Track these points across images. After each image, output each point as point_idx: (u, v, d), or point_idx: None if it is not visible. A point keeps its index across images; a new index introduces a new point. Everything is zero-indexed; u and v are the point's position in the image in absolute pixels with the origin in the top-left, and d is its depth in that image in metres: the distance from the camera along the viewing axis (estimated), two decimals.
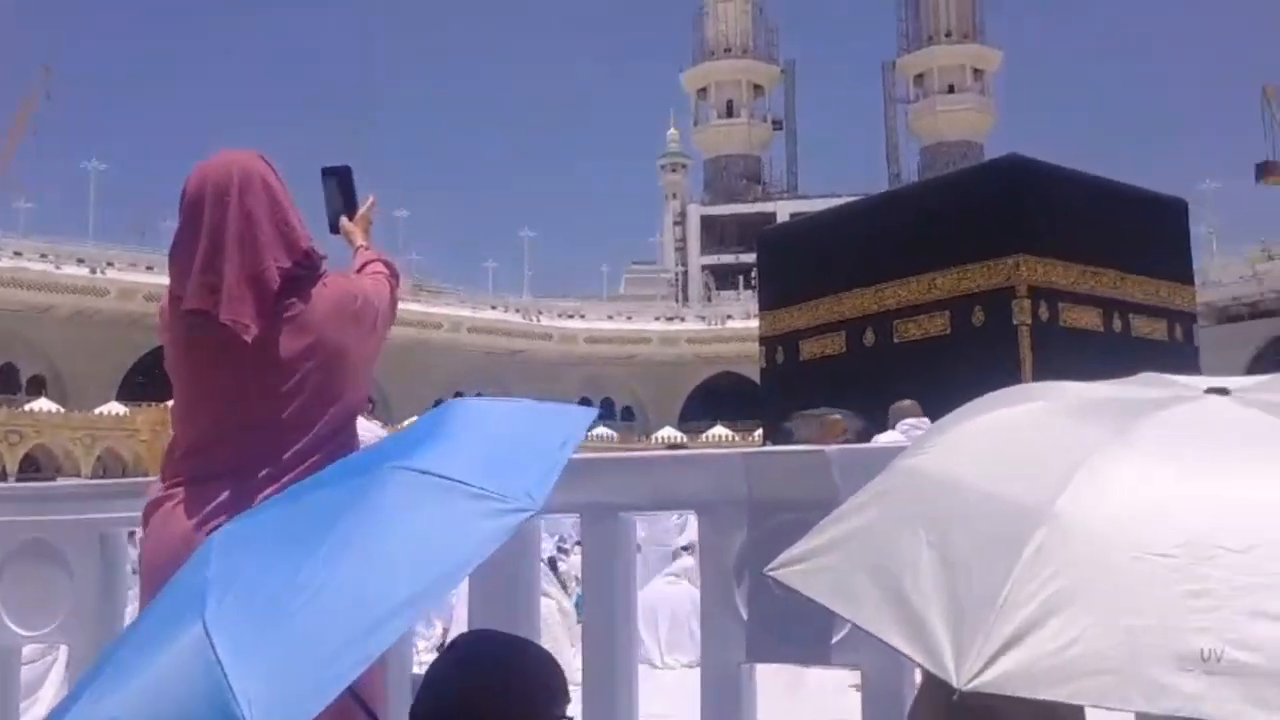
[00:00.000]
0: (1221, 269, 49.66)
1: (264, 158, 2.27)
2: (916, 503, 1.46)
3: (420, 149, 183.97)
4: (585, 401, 61.25)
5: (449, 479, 1.50)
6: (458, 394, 58.70)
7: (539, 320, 58.66)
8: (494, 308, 58.06)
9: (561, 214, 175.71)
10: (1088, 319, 7.92)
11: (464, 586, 3.57)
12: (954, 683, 1.20)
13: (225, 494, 2.11)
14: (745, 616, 2.57)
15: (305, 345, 2.17)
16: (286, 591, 1.35)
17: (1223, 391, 1.47)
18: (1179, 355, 8.75)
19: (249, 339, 2.11)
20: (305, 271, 2.22)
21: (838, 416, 7.01)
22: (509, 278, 69.87)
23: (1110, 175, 9.01)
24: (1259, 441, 1.31)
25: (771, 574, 1.55)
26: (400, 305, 2.55)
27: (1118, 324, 8.04)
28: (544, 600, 5.13)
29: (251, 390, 2.16)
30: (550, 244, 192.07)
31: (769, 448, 5.59)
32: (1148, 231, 8.77)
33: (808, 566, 1.53)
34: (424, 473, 1.52)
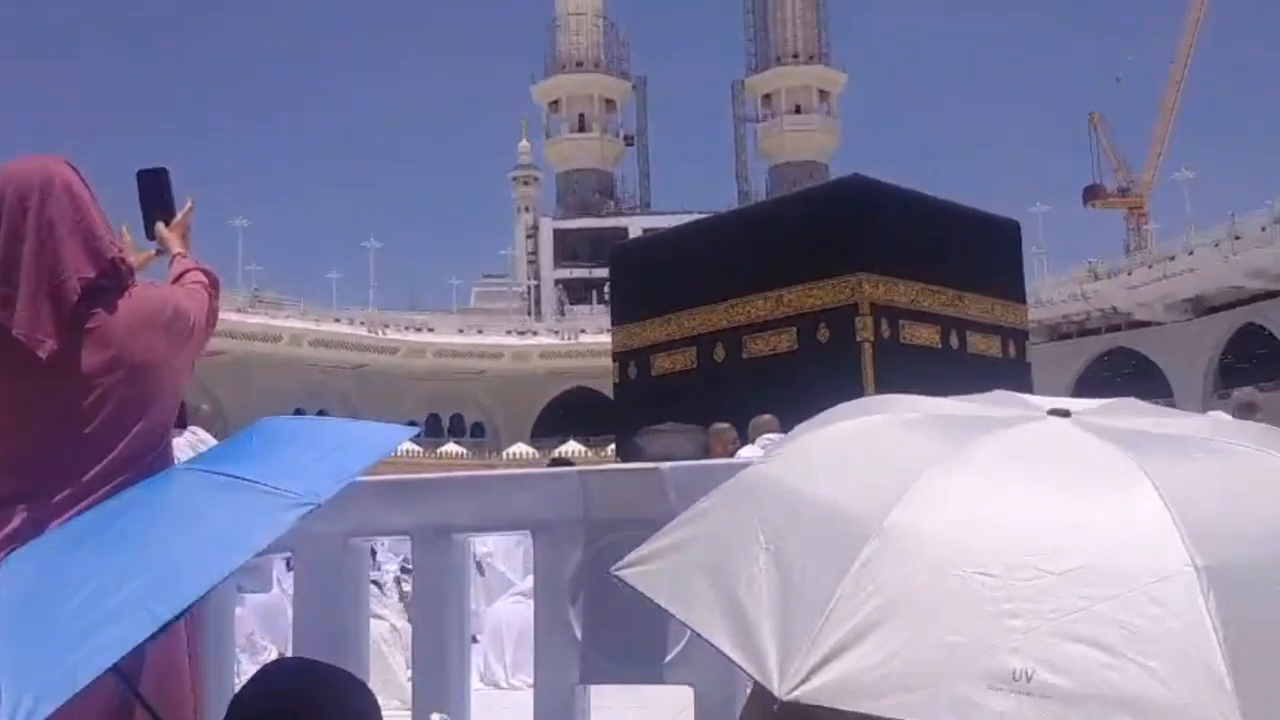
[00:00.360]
0: (1052, 288, 52.08)
1: (70, 163, 2.15)
2: (759, 509, 1.46)
3: (261, 155, 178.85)
4: (433, 418, 60.45)
5: (236, 477, 1.51)
6: (298, 410, 57.21)
7: (385, 333, 57.45)
8: (338, 320, 56.50)
9: (409, 225, 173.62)
10: (927, 335, 8.14)
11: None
12: (775, 691, 1.20)
13: (20, 519, 1.97)
14: (579, 637, 2.52)
15: (107, 359, 2.05)
16: (56, 588, 1.38)
17: (1064, 413, 1.48)
18: (1012, 371, 9.09)
19: (43, 354, 1.99)
20: (111, 282, 2.10)
21: (725, 425, 7.03)
22: (354, 290, 68.54)
23: (948, 196, 9.31)
24: (1089, 466, 1.33)
25: (616, 573, 1.55)
26: (238, 317, 2.43)
27: (955, 341, 8.28)
28: (376, 622, 4.97)
29: (49, 407, 2.03)
30: (397, 255, 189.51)
31: (604, 465, 5.58)
32: (983, 251, 9.08)
33: (649, 567, 1.53)
34: (212, 472, 1.54)
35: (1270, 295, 46.26)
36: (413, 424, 59.72)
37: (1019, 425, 1.44)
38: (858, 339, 7.51)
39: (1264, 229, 44.65)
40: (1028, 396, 1.64)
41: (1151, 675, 1.10)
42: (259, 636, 6.54)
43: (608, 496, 2.57)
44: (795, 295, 8.30)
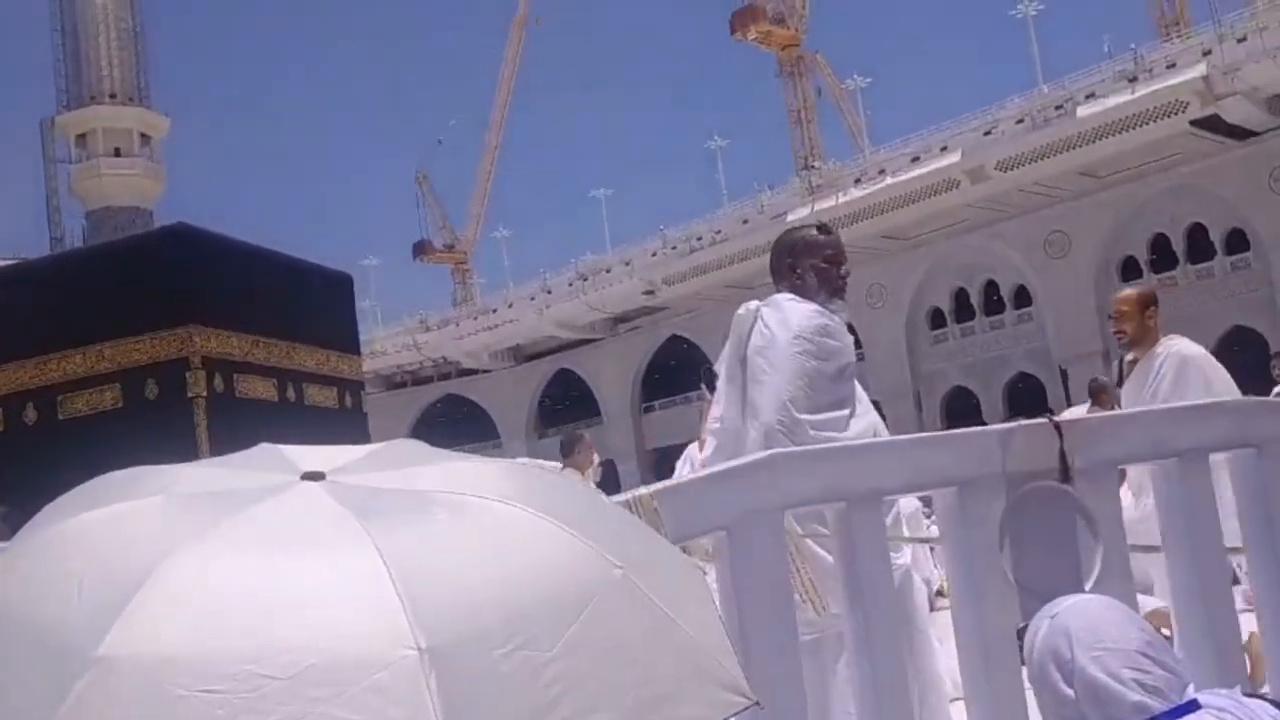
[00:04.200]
0: (386, 339, 53.96)
1: None
2: None
3: None
4: None
5: None
6: None
7: None
8: None
9: None
10: (263, 388, 8.06)
11: None
12: None
13: None
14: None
15: None
16: None
17: (319, 476, 1.40)
18: (350, 421, 9.29)
19: None
20: None
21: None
22: None
23: (283, 249, 9.33)
24: (324, 544, 1.25)
25: None
26: None
27: (292, 393, 8.30)
28: None
29: None
30: None
31: None
32: (317, 304, 9.19)
33: None
34: None
35: (579, 344, 52.20)
36: None
37: (269, 498, 1.32)
38: (189, 394, 7.23)
39: (570, 284, 50.28)
40: (290, 452, 1.51)
41: None
42: None
43: None
44: (119, 349, 7.80)
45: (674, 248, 46.95)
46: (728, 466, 2.95)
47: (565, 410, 53.40)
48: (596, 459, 9.81)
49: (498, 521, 1.34)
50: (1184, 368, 5.06)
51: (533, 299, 51.66)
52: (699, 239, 46.32)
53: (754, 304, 3.62)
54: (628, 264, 48.66)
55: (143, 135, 70.63)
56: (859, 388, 3.63)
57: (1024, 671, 2.09)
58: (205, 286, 7.67)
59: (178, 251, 7.94)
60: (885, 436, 3.59)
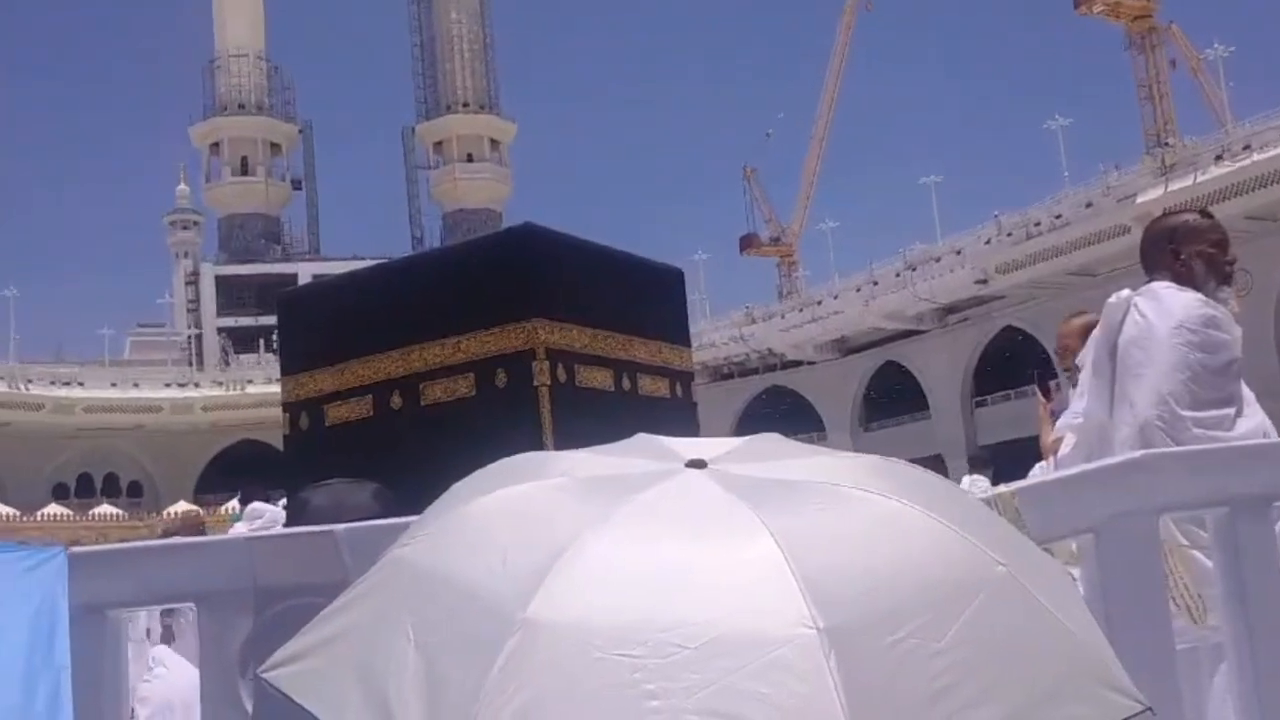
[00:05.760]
0: (713, 331, 54.89)
1: None
2: (406, 598, 1.38)
3: None
4: (85, 477, 55.63)
5: None
6: None
7: (28, 388, 52.47)
8: None
9: (52, 273, 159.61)
10: (601, 378, 8.36)
11: None
12: None
13: None
14: (250, 711, 2.39)
15: None
16: None
17: (701, 464, 1.47)
18: (680, 411, 9.48)
19: None
20: None
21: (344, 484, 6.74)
22: None
23: (616, 244, 9.66)
24: (719, 527, 1.32)
25: (263, 675, 1.44)
26: None
27: (627, 383, 8.56)
28: None
29: None
30: (38, 305, 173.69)
31: (275, 519, 5.33)
32: (651, 297, 9.44)
33: (297, 668, 1.42)
34: None
35: (905, 335, 50.98)
36: (86, 477, 54.87)
37: (659, 483, 1.41)
38: (535, 383, 7.61)
39: (898, 275, 49.19)
40: (669, 442, 1.60)
41: None
42: None
43: (277, 562, 2.46)
44: (472, 341, 8.32)
45: (1009, 234, 44.87)
46: (1099, 466, 2.81)
47: (891, 404, 52.35)
48: None
49: (880, 513, 1.37)
50: None
51: (858, 290, 50.94)
52: (1036, 224, 44.01)
53: (1125, 293, 3.41)
54: (959, 252, 47.01)
55: (492, 141, 75.50)
56: (1244, 386, 3.32)
57: None
58: (549, 282, 8.06)
59: (524, 250, 8.39)
60: (1276, 438, 3.26)
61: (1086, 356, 3.48)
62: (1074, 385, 4.78)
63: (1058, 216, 43.29)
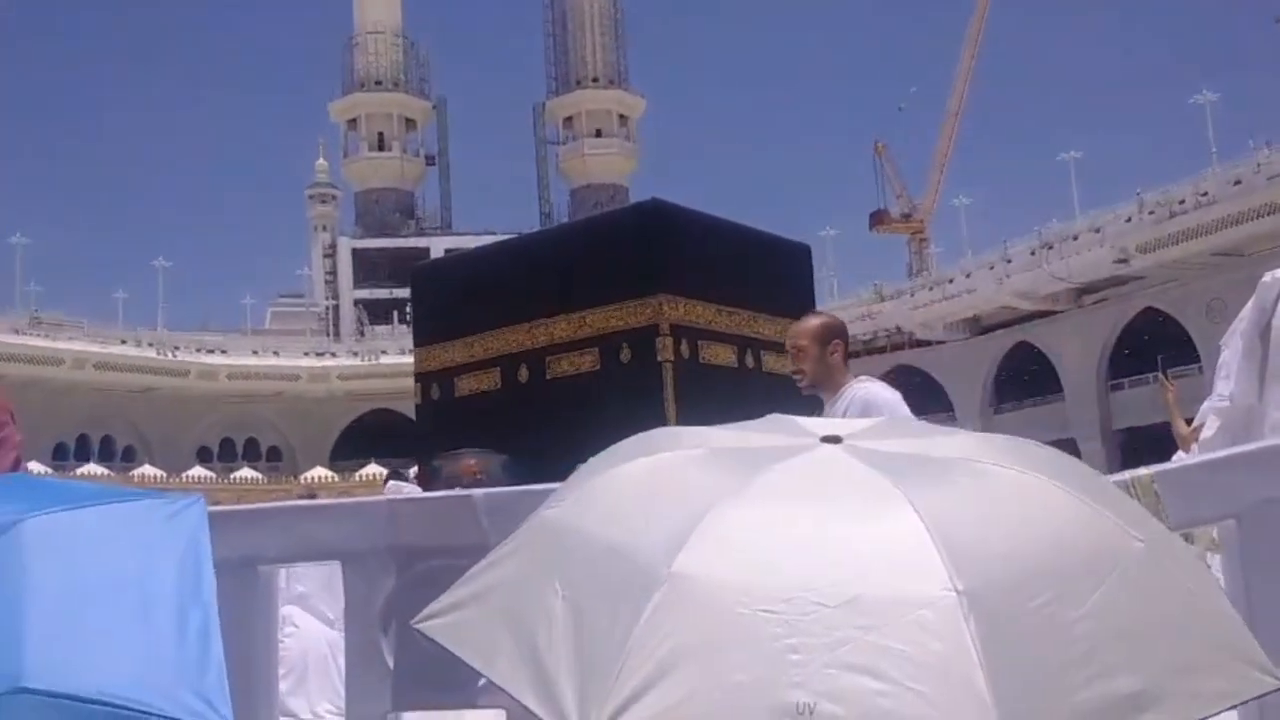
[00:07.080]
0: (841, 309, 54.16)
1: None
2: (555, 555, 1.47)
3: (41, 171, 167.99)
4: (228, 442, 57.96)
5: (90, 701, 1.32)
6: (82, 436, 53.52)
7: (175, 355, 54.84)
8: (124, 342, 53.49)
9: (200, 244, 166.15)
10: (724, 355, 8.36)
11: None
12: None
13: None
14: (392, 666, 2.50)
15: None
16: None
17: (835, 439, 1.53)
18: None
19: None
20: None
21: (472, 460, 6.92)
22: (142, 310, 65.07)
23: (742, 220, 9.61)
24: (859, 496, 1.38)
25: (417, 626, 1.54)
26: (16, 340, 2.33)
27: (750, 360, 8.54)
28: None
29: None
30: (187, 275, 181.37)
31: (414, 494, 5.48)
32: (776, 273, 9.38)
33: (450, 620, 1.53)
34: (54, 696, 1.32)
35: (1039, 315, 49.50)
36: (229, 442, 57.25)
37: (795, 456, 1.48)
38: (659, 359, 7.65)
39: (1033, 253, 47.76)
40: (802, 421, 1.68)
41: (920, 699, 1.17)
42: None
43: (417, 524, 2.56)
44: (598, 316, 8.40)
45: (1151, 212, 43.15)
46: (1246, 450, 2.73)
47: (1023, 385, 50.99)
48: None
49: (1017, 487, 1.41)
50: (867, 414, 3.92)
51: (991, 268, 49.65)
52: (1181, 202, 42.21)
53: (1279, 273, 3.24)
54: (1097, 231, 45.39)
55: (620, 116, 75.64)
56: None
57: None
58: (674, 257, 8.08)
59: (650, 225, 8.43)
60: None
61: (1231, 339, 3.35)
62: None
63: (1204, 194, 41.44)
